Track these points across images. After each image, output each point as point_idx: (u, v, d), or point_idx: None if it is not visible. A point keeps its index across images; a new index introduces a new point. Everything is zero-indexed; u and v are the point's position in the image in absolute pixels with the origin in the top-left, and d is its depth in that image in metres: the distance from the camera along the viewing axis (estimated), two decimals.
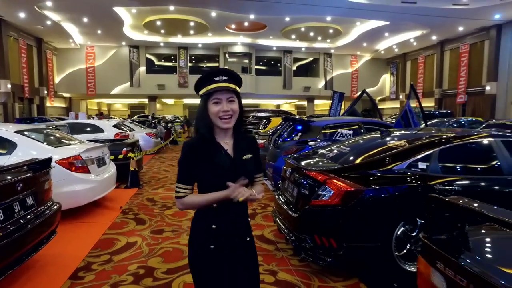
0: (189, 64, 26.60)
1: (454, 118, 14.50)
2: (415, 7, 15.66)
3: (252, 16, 18.53)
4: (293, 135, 5.92)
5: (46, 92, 22.16)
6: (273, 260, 3.38)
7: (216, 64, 26.77)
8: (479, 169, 3.38)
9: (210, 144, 1.48)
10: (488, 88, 19.15)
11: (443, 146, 3.28)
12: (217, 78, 1.44)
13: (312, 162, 3.65)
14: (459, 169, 3.31)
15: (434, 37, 21.78)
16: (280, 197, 3.74)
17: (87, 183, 4.64)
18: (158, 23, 19.89)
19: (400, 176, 3.07)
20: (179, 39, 23.86)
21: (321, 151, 4.02)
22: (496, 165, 3.29)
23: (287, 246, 3.67)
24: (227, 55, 26.04)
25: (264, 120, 9.75)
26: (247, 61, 26.29)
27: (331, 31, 21.39)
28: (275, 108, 29.53)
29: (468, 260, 1.41)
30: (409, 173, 3.08)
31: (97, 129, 9.49)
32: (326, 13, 17.59)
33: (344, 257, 2.95)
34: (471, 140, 3.44)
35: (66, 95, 26.16)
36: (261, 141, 6.69)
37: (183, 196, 1.47)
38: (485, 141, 3.43)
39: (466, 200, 1.64)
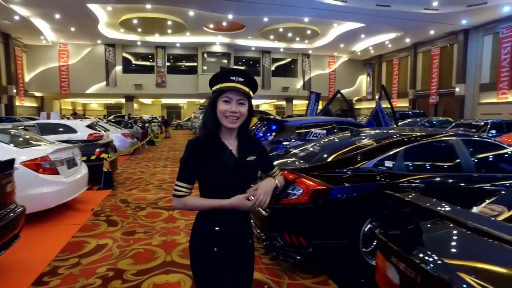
0: (167, 64, 26.26)
1: (426, 118, 15.10)
2: (389, 10, 16.17)
3: (230, 16, 18.51)
4: (268, 135, 5.98)
5: (15, 90, 21.26)
6: None
7: (195, 64, 26.57)
8: (443, 166, 3.53)
9: (215, 144, 1.45)
10: (457, 89, 20.02)
11: (408, 145, 3.41)
12: (233, 78, 1.43)
13: (283, 162, 3.70)
14: (423, 167, 3.45)
15: (407, 40, 22.54)
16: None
17: (56, 185, 4.50)
18: (135, 21, 19.52)
19: (367, 175, 3.17)
20: (156, 38, 23.50)
21: (293, 150, 4.08)
22: (457, 163, 3.46)
23: (258, 245, 3.70)
24: (205, 55, 25.89)
25: None
26: (225, 61, 26.22)
27: (309, 32, 21.70)
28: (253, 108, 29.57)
29: (417, 254, 1.49)
30: (376, 172, 3.17)
31: (69, 130, 9.19)
32: (303, 14, 17.82)
33: (313, 255, 3.01)
34: (435, 139, 3.59)
35: (38, 94, 25.19)
36: None
37: (183, 196, 1.42)
38: (448, 140, 3.59)
39: (418, 197, 1.72)
